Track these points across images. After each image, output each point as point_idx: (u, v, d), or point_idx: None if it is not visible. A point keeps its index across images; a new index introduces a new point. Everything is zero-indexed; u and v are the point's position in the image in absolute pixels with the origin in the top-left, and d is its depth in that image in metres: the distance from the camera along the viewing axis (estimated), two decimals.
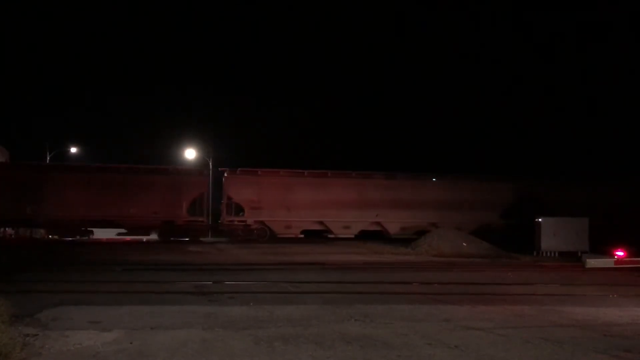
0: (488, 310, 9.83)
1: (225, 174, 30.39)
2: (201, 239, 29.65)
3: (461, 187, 32.24)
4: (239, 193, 29.93)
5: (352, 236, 30.97)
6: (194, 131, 60.55)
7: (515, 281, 14.67)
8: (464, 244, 25.02)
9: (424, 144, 66.34)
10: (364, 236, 31.00)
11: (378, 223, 31.31)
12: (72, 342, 7.07)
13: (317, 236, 31.66)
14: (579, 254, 22.02)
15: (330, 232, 31.10)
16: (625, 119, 63.00)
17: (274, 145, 55.99)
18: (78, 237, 28.36)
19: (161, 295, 11.00)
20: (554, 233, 24.44)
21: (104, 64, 79.58)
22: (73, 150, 42.46)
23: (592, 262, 19.13)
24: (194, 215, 29.41)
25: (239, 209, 30.14)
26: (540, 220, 24.86)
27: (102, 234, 29.43)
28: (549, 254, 24.11)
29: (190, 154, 39.98)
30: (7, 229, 29.28)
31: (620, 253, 19.37)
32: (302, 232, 30.90)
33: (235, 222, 30.03)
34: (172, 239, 28.43)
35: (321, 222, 30.73)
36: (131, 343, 7.06)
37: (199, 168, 33.26)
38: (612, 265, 18.83)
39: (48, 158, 39.16)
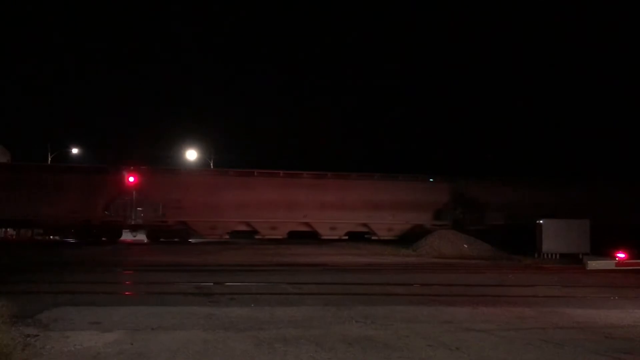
0: (489, 312, 9.82)
1: (146, 173, 29.04)
2: (119, 239, 28.49)
3: (393, 187, 31.40)
4: (159, 192, 28.38)
5: (280, 237, 30.10)
6: (196, 132, 60.58)
7: (516, 283, 14.66)
8: (465, 245, 25.03)
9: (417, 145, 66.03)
10: (293, 237, 30.37)
11: (307, 224, 30.49)
12: (73, 342, 7.07)
13: (247, 238, 30.90)
14: (580, 256, 21.99)
15: (258, 233, 30.23)
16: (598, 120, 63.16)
17: (274, 147, 55.97)
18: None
19: (162, 296, 11.00)
20: (555, 235, 24.40)
21: (104, 63, 79.68)
22: (74, 151, 42.51)
23: (594, 264, 19.11)
24: (111, 215, 27.99)
25: (159, 209, 28.53)
26: (541, 222, 24.82)
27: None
28: (550, 255, 24.07)
29: (191, 155, 40.11)
30: (8, 229, 29.32)
31: (621, 255, 19.35)
32: (229, 234, 29.92)
33: (156, 222, 28.53)
34: (89, 239, 27.19)
35: (248, 223, 29.84)
36: (132, 344, 7.05)
37: (116, 166, 30.58)
38: (614, 267, 18.82)
39: (49, 159, 39.20)
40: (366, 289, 12.54)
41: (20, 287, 11.56)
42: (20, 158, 36.19)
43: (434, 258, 22.69)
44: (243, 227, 30.23)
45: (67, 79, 77.48)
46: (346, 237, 30.91)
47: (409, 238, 30.28)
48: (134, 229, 28.84)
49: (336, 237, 30.58)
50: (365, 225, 30.84)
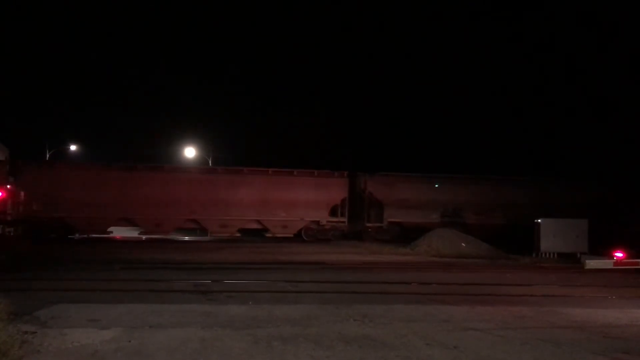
0: (487, 311, 9.83)
1: (22, 166, 27.57)
2: None
3: (288, 183, 30.25)
4: (33, 186, 26.70)
5: (165, 235, 29.16)
6: (195, 130, 60.55)
7: (514, 282, 14.67)
8: (463, 244, 25.03)
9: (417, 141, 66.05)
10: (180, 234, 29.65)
11: (194, 220, 29.26)
12: (71, 340, 7.07)
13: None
14: (578, 255, 22.04)
15: (142, 229, 29.33)
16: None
17: (273, 145, 55.92)
18: None
19: (160, 293, 10.99)
20: (554, 234, 24.43)
21: (104, 61, 79.58)
22: (72, 148, 42.51)
23: (592, 264, 19.03)
24: None
25: (33, 203, 26.94)
26: (539, 221, 24.86)
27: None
28: (548, 255, 24.11)
29: (190, 152, 40.11)
30: (6, 227, 29.20)
31: (619, 254, 19.37)
32: (109, 231, 28.86)
33: (30, 218, 26.81)
34: None
35: (129, 220, 28.69)
36: (130, 341, 7.05)
37: None
38: (612, 267, 18.79)
39: (47, 156, 39.18)
40: (364, 288, 12.54)
41: (18, 285, 11.55)
42: (19, 155, 36.21)
43: (432, 257, 22.69)
44: (124, 224, 29.00)
45: (67, 76, 77.32)
46: (238, 235, 30.15)
47: (310, 234, 29.84)
48: (10, 224, 27.20)
49: (227, 235, 29.65)
50: (258, 222, 29.77)
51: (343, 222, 30.93)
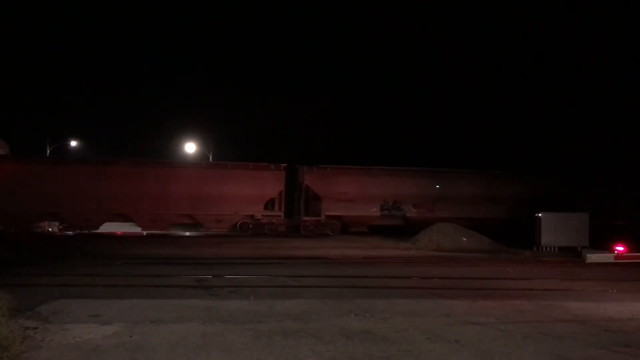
0: (488, 305, 9.83)
1: None
2: None
3: (221, 177, 29.60)
4: None
5: (97, 230, 28.72)
6: (195, 125, 60.42)
7: (515, 276, 14.67)
8: (464, 238, 25.02)
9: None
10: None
11: (123, 215, 28.78)
12: (72, 335, 7.07)
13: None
14: (579, 249, 22.04)
15: (68, 224, 28.84)
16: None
17: (273, 140, 55.83)
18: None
19: (161, 289, 11.01)
20: (554, 228, 24.41)
21: (104, 58, 79.38)
22: (73, 144, 42.49)
23: (592, 257, 19.16)
24: None
25: None
26: (540, 215, 24.83)
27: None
28: (549, 249, 24.09)
29: (190, 147, 40.08)
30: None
31: (620, 248, 19.39)
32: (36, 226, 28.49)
33: None
34: None
35: (55, 214, 28.22)
36: (131, 336, 7.06)
37: None
38: (612, 260, 18.87)
39: (48, 151, 39.17)
40: (365, 282, 12.55)
41: (20, 280, 11.57)
42: (20, 151, 36.18)
43: (432, 251, 22.70)
44: (49, 219, 28.68)
45: (67, 72, 77.17)
46: (172, 231, 29.85)
47: (245, 229, 29.24)
48: None
49: (158, 231, 29.19)
50: (189, 216, 29.39)
51: (279, 216, 30.26)
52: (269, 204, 30.37)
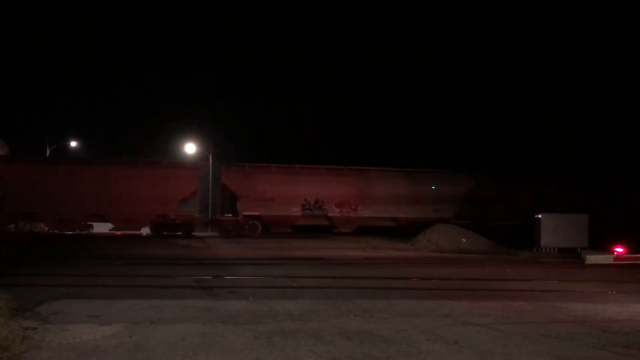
0: (487, 306, 9.84)
1: None
2: None
3: (134, 175, 28.49)
4: None
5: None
6: (195, 126, 60.36)
7: (515, 277, 14.69)
8: (464, 239, 25.04)
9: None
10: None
11: (30, 214, 27.76)
12: (72, 335, 7.07)
13: None
14: (579, 250, 22.07)
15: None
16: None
17: (274, 140, 55.83)
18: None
19: (161, 289, 11.00)
20: (554, 229, 24.45)
21: (104, 58, 79.36)
22: (73, 144, 42.48)
23: (592, 258, 19.17)
24: None
25: None
26: (539, 216, 24.86)
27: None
28: (548, 250, 24.13)
29: (190, 148, 40.02)
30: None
31: (619, 249, 19.41)
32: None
33: None
34: None
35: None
36: (131, 337, 7.06)
37: None
38: (612, 262, 18.88)
39: (48, 152, 39.16)
40: (365, 283, 12.56)
41: (20, 280, 11.56)
42: (19, 151, 36.17)
43: (432, 252, 22.72)
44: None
45: (67, 72, 77.18)
46: (84, 231, 28.99)
47: (157, 229, 28.13)
48: None
49: (69, 232, 28.42)
50: (100, 216, 28.37)
51: (194, 215, 29.37)
52: (186, 203, 29.31)
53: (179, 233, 28.83)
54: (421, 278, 13.71)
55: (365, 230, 31.58)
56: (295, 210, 30.53)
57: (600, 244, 21.42)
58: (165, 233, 28.60)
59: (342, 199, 31.07)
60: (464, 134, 61.97)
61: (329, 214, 31.02)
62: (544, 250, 24.15)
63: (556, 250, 23.94)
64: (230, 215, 30.19)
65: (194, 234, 29.44)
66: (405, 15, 76.87)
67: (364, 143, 56.56)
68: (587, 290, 12.50)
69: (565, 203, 30.90)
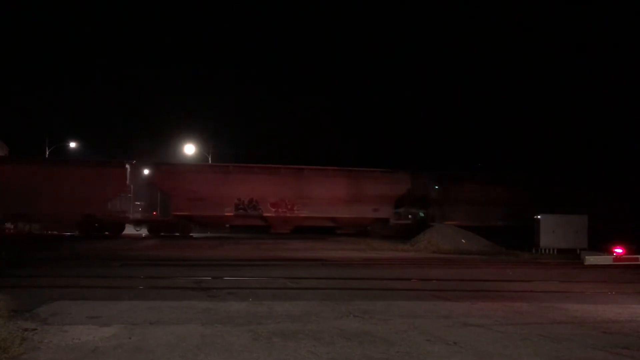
0: (487, 307, 9.83)
1: None
2: None
3: (69, 175, 28.02)
4: None
5: None
6: (194, 126, 60.37)
7: (514, 278, 14.68)
8: (463, 240, 25.05)
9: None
10: None
11: None
12: (71, 336, 7.06)
13: None
14: (578, 251, 22.06)
15: None
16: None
17: (273, 140, 55.87)
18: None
19: (160, 290, 10.99)
20: (553, 230, 24.46)
21: (103, 58, 79.35)
22: (72, 144, 42.46)
23: (591, 259, 19.17)
24: None
25: None
26: (539, 217, 24.86)
27: None
28: (547, 251, 24.13)
29: (189, 149, 40.04)
30: (6, 223, 29.15)
31: (619, 250, 19.41)
32: None
33: None
34: None
35: None
36: (130, 338, 7.05)
37: None
38: (611, 262, 18.88)
39: (47, 152, 39.14)
40: (364, 284, 12.55)
41: (18, 281, 11.55)
42: (18, 151, 36.14)
43: (432, 253, 22.71)
44: None
45: (67, 72, 77.14)
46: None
47: (85, 229, 27.61)
48: None
49: None
50: (25, 215, 27.92)
51: (123, 214, 29.03)
52: (115, 203, 29.04)
53: (107, 233, 28.18)
54: (421, 279, 13.70)
55: (303, 230, 31.22)
56: (229, 210, 29.89)
57: (600, 245, 21.41)
58: (93, 233, 27.89)
59: (278, 199, 30.52)
60: (408, 133, 61.81)
61: (264, 214, 30.42)
62: (543, 251, 24.15)
63: (556, 251, 23.94)
64: (161, 214, 29.64)
65: (124, 233, 28.84)
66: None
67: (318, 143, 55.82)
68: (586, 291, 12.50)
69: (514, 203, 30.94)
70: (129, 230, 30.09)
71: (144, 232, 29.98)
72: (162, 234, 29.05)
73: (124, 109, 75.93)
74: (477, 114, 69.14)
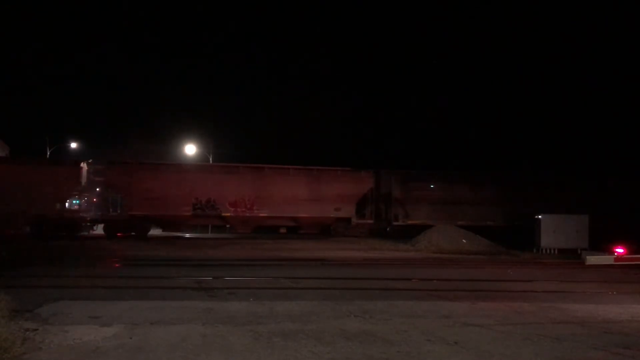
0: (488, 307, 9.83)
1: None
2: None
3: (6, 174, 26.79)
4: None
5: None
6: (195, 126, 60.39)
7: (515, 278, 14.68)
8: (464, 240, 25.03)
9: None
10: None
11: None
12: (72, 336, 7.07)
13: None
14: (579, 251, 22.05)
15: None
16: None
17: (273, 140, 55.90)
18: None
19: (161, 290, 11.00)
20: (554, 230, 24.45)
21: (104, 59, 79.38)
22: (73, 145, 42.50)
23: (592, 259, 19.17)
24: None
25: None
26: (540, 217, 24.86)
27: None
28: (548, 251, 24.12)
29: (190, 149, 40.02)
30: None
31: (620, 250, 19.40)
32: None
33: None
34: None
35: None
36: (131, 338, 7.06)
37: None
38: (612, 262, 18.87)
39: (48, 153, 39.17)
40: (365, 284, 12.55)
41: (20, 282, 11.57)
42: (19, 152, 36.19)
43: (432, 253, 22.70)
44: None
45: (67, 73, 77.22)
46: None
47: (35, 230, 26.63)
48: None
49: None
50: None
51: (77, 215, 28.16)
52: (70, 203, 28.24)
53: (63, 234, 27.07)
54: (421, 279, 13.70)
55: (265, 230, 31.00)
56: (186, 210, 29.18)
57: (601, 245, 21.41)
58: (48, 234, 26.67)
59: (237, 198, 29.83)
60: (370, 132, 61.43)
61: (223, 214, 29.81)
62: (544, 251, 24.14)
63: (556, 251, 23.93)
64: (117, 214, 28.63)
65: (81, 234, 28.14)
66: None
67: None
68: (587, 291, 12.50)
69: (479, 203, 30.83)
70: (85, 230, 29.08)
71: (100, 232, 29.11)
72: (119, 234, 28.35)
73: (125, 109, 75.91)
74: (455, 113, 69.21)
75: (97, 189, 28.72)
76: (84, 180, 28.22)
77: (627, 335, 7.93)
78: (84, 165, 28.45)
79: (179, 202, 28.88)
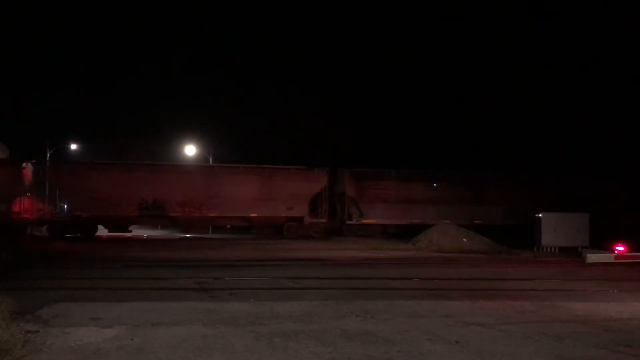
0: (489, 306, 9.83)
1: None
2: None
3: None
4: None
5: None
6: (195, 127, 60.36)
7: (516, 276, 14.68)
8: (465, 239, 25.04)
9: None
10: None
11: None
12: (73, 338, 7.07)
13: None
14: (580, 249, 22.06)
15: None
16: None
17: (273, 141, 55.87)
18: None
19: (162, 291, 11.00)
20: (555, 228, 24.46)
21: (103, 59, 79.37)
22: (73, 146, 42.43)
23: (593, 257, 19.18)
24: None
25: None
26: (540, 215, 24.86)
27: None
28: (549, 249, 24.12)
29: (190, 150, 40.01)
30: None
31: (620, 248, 19.41)
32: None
33: None
34: None
35: None
36: (132, 339, 7.05)
37: None
38: (613, 260, 18.88)
39: (48, 154, 39.10)
40: (366, 284, 12.55)
41: (21, 283, 11.56)
42: (19, 153, 36.09)
43: (433, 252, 22.71)
44: None
45: (67, 73, 77.21)
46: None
47: None
48: None
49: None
50: None
51: (20, 216, 27.33)
52: (16, 203, 27.49)
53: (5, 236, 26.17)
54: (422, 278, 13.70)
55: (218, 230, 30.87)
56: (132, 210, 28.70)
57: (601, 243, 21.41)
58: None
59: (185, 198, 29.26)
60: (325, 129, 61.21)
61: (171, 214, 29.32)
62: (544, 249, 24.14)
63: (557, 250, 23.94)
64: (62, 215, 28.19)
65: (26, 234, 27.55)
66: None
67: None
68: (588, 289, 12.50)
69: (435, 202, 30.76)
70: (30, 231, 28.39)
71: (45, 233, 28.67)
72: (66, 235, 27.88)
73: (124, 109, 75.87)
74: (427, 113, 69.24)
75: (42, 190, 27.91)
76: (28, 180, 27.63)
77: (629, 334, 7.93)
78: (27, 165, 27.87)
79: (125, 203, 28.31)
